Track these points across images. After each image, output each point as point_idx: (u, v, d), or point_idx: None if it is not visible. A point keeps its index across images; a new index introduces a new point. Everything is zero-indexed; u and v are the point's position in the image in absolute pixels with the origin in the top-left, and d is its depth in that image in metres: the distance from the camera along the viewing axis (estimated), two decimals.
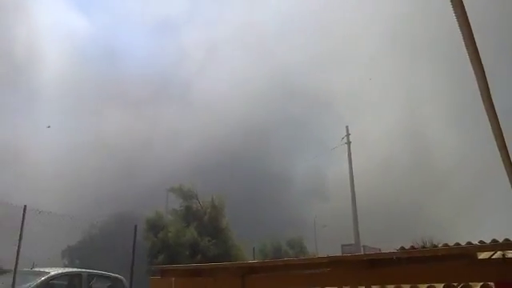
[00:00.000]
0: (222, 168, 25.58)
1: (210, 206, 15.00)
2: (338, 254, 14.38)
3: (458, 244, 4.87)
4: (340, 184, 29.74)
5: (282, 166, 29.36)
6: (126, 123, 26.55)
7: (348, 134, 28.94)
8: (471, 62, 2.84)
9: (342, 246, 22.01)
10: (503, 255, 4.77)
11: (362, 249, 21.07)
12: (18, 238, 10.77)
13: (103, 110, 29.15)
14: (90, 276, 13.01)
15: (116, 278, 13.84)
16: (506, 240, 3.92)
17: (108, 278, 13.67)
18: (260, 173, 27.19)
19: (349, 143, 28.58)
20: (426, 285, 6.89)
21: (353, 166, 27.58)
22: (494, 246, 4.24)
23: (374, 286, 7.25)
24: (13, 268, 11.15)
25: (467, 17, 2.62)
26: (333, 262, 4.71)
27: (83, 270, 13.37)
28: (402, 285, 7.07)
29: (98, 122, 27.12)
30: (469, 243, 4.87)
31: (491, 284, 4.90)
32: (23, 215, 10.79)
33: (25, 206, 10.91)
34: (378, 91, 37.99)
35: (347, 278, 4.92)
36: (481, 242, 4.81)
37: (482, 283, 6.12)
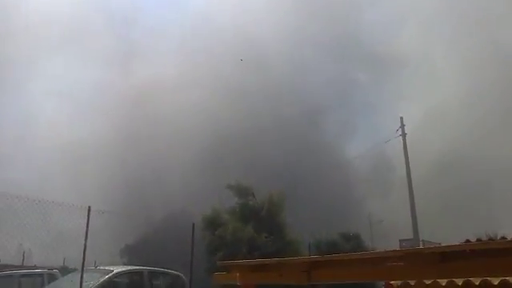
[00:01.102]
0: (276, 161, 25.47)
1: (267, 202, 15.01)
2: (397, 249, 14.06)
3: None
4: (396, 176, 29.21)
5: (336, 157, 28.92)
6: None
7: (403, 125, 28.09)
8: None
9: (400, 240, 21.54)
10: None
11: (421, 243, 20.53)
12: (84, 237, 11.16)
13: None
14: (151, 273, 13.43)
15: (176, 275, 14.21)
16: None
17: (168, 274, 14.05)
18: (314, 164, 26.94)
19: (404, 135, 27.79)
20: (498, 279, 6.66)
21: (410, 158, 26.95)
22: None
23: (442, 279, 7.09)
24: (77, 267, 11.63)
25: None
26: (403, 256, 4.59)
27: (144, 267, 13.77)
28: (472, 278, 6.86)
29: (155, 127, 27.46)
30: None
31: None
32: (88, 216, 11.20)
33: (89, 206, 11.33)
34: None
35: (416, 272, 4.78)
36: None
37: None
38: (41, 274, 15.53)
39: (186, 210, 19.92)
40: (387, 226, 27.77)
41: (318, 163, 27.60)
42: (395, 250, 5.13)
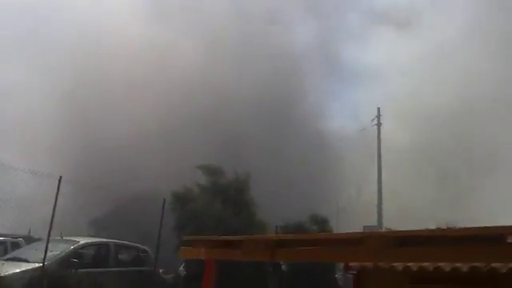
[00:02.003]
0: (250, 138, 25.30)
1: (234, 181, 15.27)
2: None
3: (487, 226, 4.89)
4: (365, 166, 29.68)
5: (310, 139, 28.80)
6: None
7: (379, 115, 28.66)
8: None
9: (364, 227, 22.11)
10: None
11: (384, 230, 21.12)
12: (53, 207, 11.13)
13: None
14: (118, 246, 13.51)
15: (142, 248, 14.35)
16: None
17: (135, 248, 14.19)
18: (289, 144, 26.84)
19: (379, 125, 28.35)
20: (451, 265, 6.99)
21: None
22: None
23: (397, 263, 7.40)
24: (42, 237, 11.62)
25: None
26: (362, 238, 4.80)
27: (111, 240, 13.83)
28: (426, 264, 7.18)
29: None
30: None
31: None
32: (58, 186, 11.16)
33: (60, 176, 11.27)
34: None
35: (377, 254, 4.99)
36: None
37: (510, 264, 6.18)
38: (3, 242, 15.43)
39: (156, 186, 19.90)
40: (354, 213, 28.34)
41: (293, 144, 27.38)
42: (355, 233, 5.35)
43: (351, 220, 25.53)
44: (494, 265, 6.57)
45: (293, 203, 21.22)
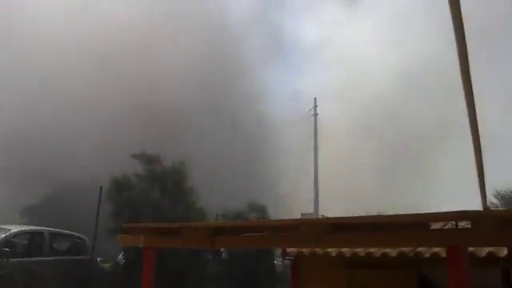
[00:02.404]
0: (187, 123, 24.85)
1: (171, 171, 15.20)
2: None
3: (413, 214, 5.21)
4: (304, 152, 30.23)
5: (248, 126, 28.64)
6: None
7: (315, 106, 29.39)
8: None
9: (302, 214, 22.75)
10: (456, 225, 5.19)
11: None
12: None
13: None
14: (53, 234, 13.13)
15: (78, 236, 14.03)
16: (461, 211, 4.28)
17: (70, 236, 13.85)
18: (227, 128, 26.58)
19: (315, 115, 29.09)
20: (381, 250, 7.42)
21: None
22: (447, 215, 4.60)
23: (332, 249, 7.75)
24: None
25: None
26: (298, 225, 5.00)
27: (45, 228, 13.43)
28: (359, 249, 7.58)
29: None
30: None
31: (442, 250, 5.33)
32: None
33: None
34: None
35: (309, 240, 5.22)
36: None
37: (434, 249, 6.65)
38: None
39: (93, 174, 19.41)
40: (292, 200, 28.93)
41: (232, 128, 27.18)
42: (291, 219, 5.56)
43: (290, 207, 26.10)
44: (419, 249, 7.07)
45: (232, 191, 21.35)
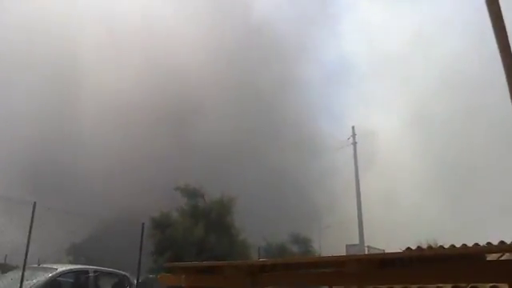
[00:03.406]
0: (230, 161, 24.96)
1: (217, 204, 15.07)
2: (343, 254, 14.40)
3: (465, 245, 4.90)
4: (346, 185, 29.68)
5: (288, 161, 28.45)
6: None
7: (354, 135, 29.01)
8: None
9: (347, 246, 22.08)
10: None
11: (366, 249, 21.12)
12: (28, 234, 10.84)
13: None
14: (97, 273, 13.14)
15: (122, 274, 14.00)
16: None
17: (114, 274, 13.82)
18: (263, 168, 26.53)
19: (355, 144, 28.67)
20: (435, 286, 6.98)
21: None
22: (503, 247, 4.25)
23: (382, 286, 7.36)
24: (19, 264, 11.27)
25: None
26: (343, 262, 4.75)
27: (90, 266, 13.49)
28: (411, 285, 7.16)
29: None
30: (476, 244, 4.91)
31: (503, 286, 4.95)
32: (33, 212, 10.88)
33: (34, 202, 11.00)
34: None
35: (356, 278, 4.96)
36: (488, 243, 4.85)
37: (492, 284, 6.19)
38: None
39: (135, 210, 19.61)
40: (336, 231, 28.30)
41: (271, 162, 27.13)
42: (336, 256, 5.30)
43: (335, 239, 25.47)
44: (474, 284, 6.60)
45: (274, 222, 21.10)
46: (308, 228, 21.94)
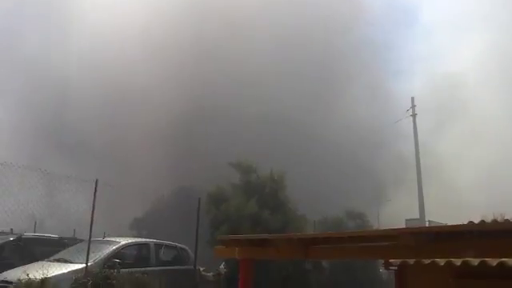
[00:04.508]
0: (285, 136, 24.79)
1: (269, 180, 15.13)
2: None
3: None
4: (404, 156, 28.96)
5: (343, 135, 27.90)
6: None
7: (414, 106, 28.09)
8: None
9: (406, 220, 21.62)
10: None
11: (426, 224, 20.58)
12: (91, 210, 11.38)
13: None
14: (158, 245, 13.69)
15: (181, 247, 14.49)
16: None
17: (174, 247, 14.34)
18: (321, 142, 26.17)
19: (414, 115, 27.80)
20: (496, 260, 6.69)
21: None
22: None
23: (440, 259, 7.14)
24: (86, 238, 11.90)
25: None
26: (397, 235, 4.64)
27: (151, 240, 14.04)
28: (470, 259, 6.91)
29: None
30: None
31: None
32: (95, 189, 11.39)
33: (96, 180, 11.50)
34: None
35: (411, 250, 4.85)
36: None
37: None
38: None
39: (195, 186, 20.05)
40: (395, 205, 27.77)
41: (326, 134, 26.61)
42: (389, 229, 5.18)
43: (394, 214, 25.04)
44: None
45: (331, 198, 20.94)
46: (367, 203, 21.57)
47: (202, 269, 15.05)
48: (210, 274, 15.08)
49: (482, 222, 4.45)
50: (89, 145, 25.26)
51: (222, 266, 15.51)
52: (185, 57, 25.98)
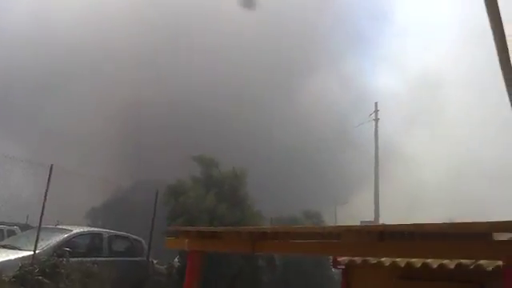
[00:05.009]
0: (247, 133, 24.70)
1: (230, 176, 15.15)
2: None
3: (473, 222, 4.78)
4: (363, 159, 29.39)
5: (302, 136, 27.93)
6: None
7: (376, 110, 28.66)
8: None
9: (361, 222, 22.05)
10: None
11: None
12: (44, 196, 11.13)
13: None
14: (111, 236, 13.50)
15: (136, 239, 14.37)
16: None
17: (128, 238, 14.20)
18: (280, 145, 26.19)
19: (376, 120, 28.37)
20: (438, 262, 6.92)
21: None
22: (508, 224, 4.14)
23: (385, 258, 7.33)
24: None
25: None
26: (343, 232, 4.73)
27: (104, 230, 13.84)
28: (414, 260, 7.12)
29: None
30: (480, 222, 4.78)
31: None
32: (49, 175, 11.13)
33: (51, 165, 11.24)
34: None
35: (356, 249, 4.96)
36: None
37: (497, 262, 6.08)
38: (1, 230, 15.66)
39: (153, 179, 19.87)
40: (352, 208, 28.18)
41: (288, 136, 26.60)
42: (335, 226, 5.28)
43: (350, 215, 25.42)
44: (480, 262, 6.51)
45: (289, 198, 21.11)
46: (323, 205, 21.80)
47: (155, 261, 14.95)
48: (163, 267, 14.99)
49: (422, 224, 4.56)
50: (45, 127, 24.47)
51: (176, 260, 15.45)
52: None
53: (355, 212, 26.24)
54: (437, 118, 34.34)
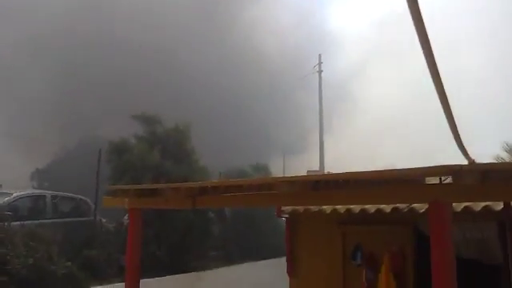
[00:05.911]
0: (191, 83, 23.94)
1: (174, 131, 14.97)
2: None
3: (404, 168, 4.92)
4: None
5: (254, 82, 27.28)
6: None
7: (320, 63, 28.74)
8: None
9: (308, 171, 22.46)
10: (440, 180, 4.88)
11: None
12: None
13: None
14: (54, 197, 13.19)
15: (81, 199, 14.12)
16: (442, 166, 3.98)
17: (73, 199, 13.95)
18: (227, 91, 25.57)
19: (320, 72, 28.51)
20: (375, 207, 7.23)
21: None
22: (429, 170, 4.28)
23: (326, 206, 7.58)
24: None
25: None
26: (279, 183, 4.78)
27: (47, 191, 13.50)
28: (352, 206, 7.40)
29: None
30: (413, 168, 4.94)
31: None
32: None
33: None
34: None
35: (292, 199, 5.06)
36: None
37: (427, 204, 6.40)
38: None
39: (97, 137, 19.32)
40: (301, 159, 28.48)
41: (237, 85, 26.04)
42: (270, 177, 5.35)
43: (298, 166, 25.72)
44: (414, 205, 6.85)
45: (237, 150, 21.12)
46: (271, 157, 21.96)
47: (104, 220, 14.82)
48: (112, 225, 14.90)
49: (355, 172, 4.67)
50: None
51: (125, 217, 15.37)
52: None
53: (307, 163, 26.60)
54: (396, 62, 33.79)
